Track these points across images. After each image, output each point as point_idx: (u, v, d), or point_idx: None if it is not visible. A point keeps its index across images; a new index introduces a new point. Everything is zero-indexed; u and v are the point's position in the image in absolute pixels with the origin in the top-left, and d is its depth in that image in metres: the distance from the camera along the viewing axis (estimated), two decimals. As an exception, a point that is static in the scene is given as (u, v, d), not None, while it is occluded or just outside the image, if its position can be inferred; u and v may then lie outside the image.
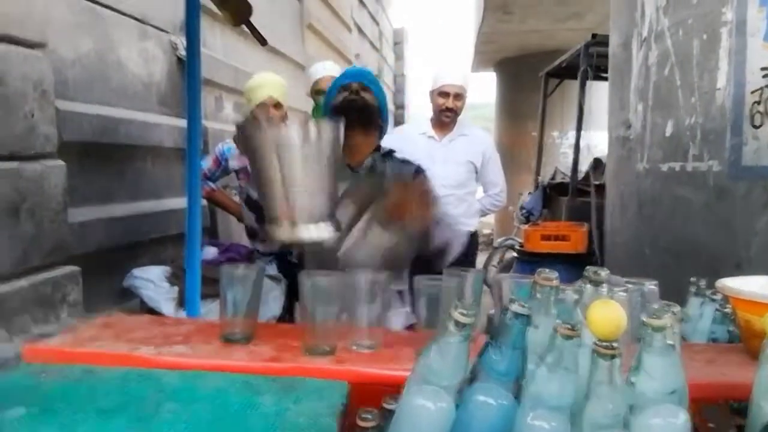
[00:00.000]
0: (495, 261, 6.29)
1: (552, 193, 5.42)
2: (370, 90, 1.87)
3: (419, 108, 3.14)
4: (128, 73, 3.12)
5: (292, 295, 2.94)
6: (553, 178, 5.88)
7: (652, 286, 1.09)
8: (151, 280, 2.67)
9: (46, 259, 2.17)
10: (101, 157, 2.82)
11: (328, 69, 3.23)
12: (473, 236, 3.33)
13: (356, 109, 1.80)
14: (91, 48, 2.81)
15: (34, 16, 2.15)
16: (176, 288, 2.62)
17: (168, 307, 2.58)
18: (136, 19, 3.18)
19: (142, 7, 3.22)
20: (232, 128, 4.09)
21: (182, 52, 3.41)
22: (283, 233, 1.25)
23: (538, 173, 6.14)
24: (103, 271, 2.74)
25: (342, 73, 2.04)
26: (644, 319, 0.79)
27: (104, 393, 0.94)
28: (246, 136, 1.25)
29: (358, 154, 1.84)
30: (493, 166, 3.35)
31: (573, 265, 3.83)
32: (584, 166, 5.34)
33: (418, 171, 1.93)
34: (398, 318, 1.74)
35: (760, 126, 2.35)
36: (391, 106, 13.40)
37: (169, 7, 3.40)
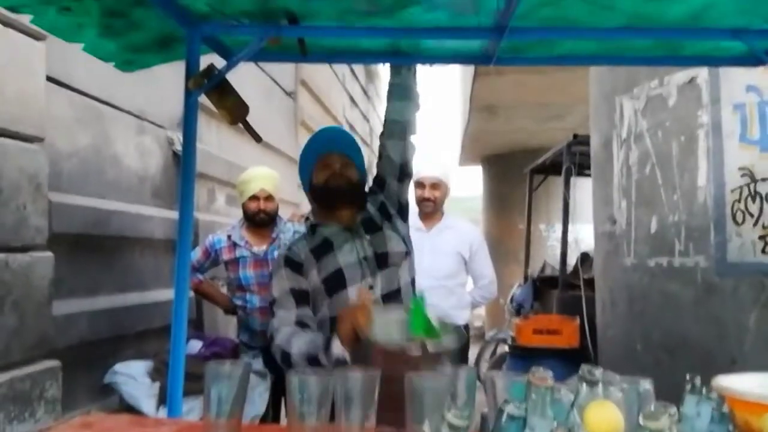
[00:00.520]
0: (487, 355, 6.18)
1: (542, 286, 5.42)
2: (351, 162, 1.89)
3: (411, 200, 3.23)
4: (123, 167, 3.18)
5: (279, 390, 2.86)
6: (542, 271, 5.90)
7: (647, 386, 1.07)
8: (133, 376, 2.58)
9: (27, 353, 2.11)
10: (91, 249, 2.82)
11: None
12: (465, 329, 3.29)
13: (343, 191, 1.84)
14: (89, 142, 2.88)
15: (35, 112, 2.22)
16: (158, 384, 2.54)
17: (148, 405, 2.48)
18: (134, 115, 3.28)
19: (141, 104, 3.33)
20: (224, 220, 4.13)
21: (178, 147, 3.50)
22: None
23: (527, 266, 6.17)
24: (85, 365, 2.66)
25: (314, 135, 2.03)
26: (641, 422, 0.77)
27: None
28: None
29: (350, 219, 1.88)
30: (481, 257, 3.38)
31: (566, 361, 3.78)
32: (572, 259, 5.38)
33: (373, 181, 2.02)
34: None
35: (743, 223, 2.41)
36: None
37: (167, 104, 3.52)
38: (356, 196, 1.89)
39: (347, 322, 1.51)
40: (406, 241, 1.95)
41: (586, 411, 0.79)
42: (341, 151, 1.90)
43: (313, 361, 1.59)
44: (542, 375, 0.92)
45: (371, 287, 1.80)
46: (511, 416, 0.81)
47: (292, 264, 1.81)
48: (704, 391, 1.51)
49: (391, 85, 2.04)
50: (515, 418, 0.81)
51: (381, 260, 1.84)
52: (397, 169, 1.98)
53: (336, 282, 1.79)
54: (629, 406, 1.02)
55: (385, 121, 2.01)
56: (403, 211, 2.01)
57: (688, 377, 1.58)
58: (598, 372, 0.92)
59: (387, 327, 1.53)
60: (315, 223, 1.91)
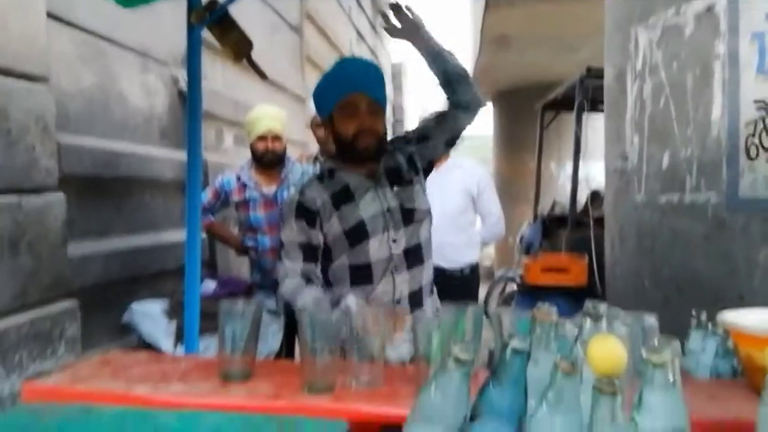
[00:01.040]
0: (496, 293, 6.26)
1: (551, 225, 5.42)
2: (379, 108, 1.78)
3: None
4: (129, 106, 3.16)
5: (292, 329, 2.93)
6: (552, 210, 5.89)
7: (652, 320, 1.09)
8: (150, 315, 2.65)
9: (45, 294, 2.16)
10: (101, 191, 2.84)
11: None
12: (475, 269, 3.33)
13: (372, 150, 1.76)
14: (93, 81, 2.85)
15: (37, 51, 2.18)
16: (175, 323, 2.61)
17: (167, 343, 2.56)
18: (137, 52, 3.23)
19: (144, 41, 3.27)
20: (232, 160, 4.13)
21: (183, 86, 3.45)
22: None
23: (536, 205, 6.15)
24: (102, 306, 2.73)
25: (341, 66, 1.87)
26: (644, 356, 0.78)
27: (100, 432, 0.93)
28: None
29: (373, 169, 1.81)
30: (488, 195, 3.38)
31: (574, 298, 3.81)
32: (583, 198, 5.35)
33: (407, 136, 1.95)
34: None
35: (756, 158, 2.36)
36: (390, 137, 13.50)
37: (170, 41, 3.45)
38: (383, 149, 1.81)
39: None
40: (426, 198, 1.90)
41: (588, 345, 0.80)
42: (370, 94, 1.76)
43: None
44: (547, 310, 0.93)
45: (394, 240, 1.76)
46: (515, 350, 0.83)
47: (306, 213, 1.75)
48: (710, 326, 1.53)
49: (454, 103, 1.89)
50: (519, 352, 0.83)
51: (407, 215, 1.79)
52: (452, 137, 1.93)
53: (358, 234, 1.75)
54: (634, 340, 1.04)
55: (450, 116, 1.89)
56: (429, 169, 1.95)
57: (694, 313, 1.61)
58: (603, 307, 0.93)
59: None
60: (333, 167, 1.83)
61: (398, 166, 1.85)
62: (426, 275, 1.82)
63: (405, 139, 1.93)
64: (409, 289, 1.78)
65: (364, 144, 1.73)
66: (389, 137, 1.90)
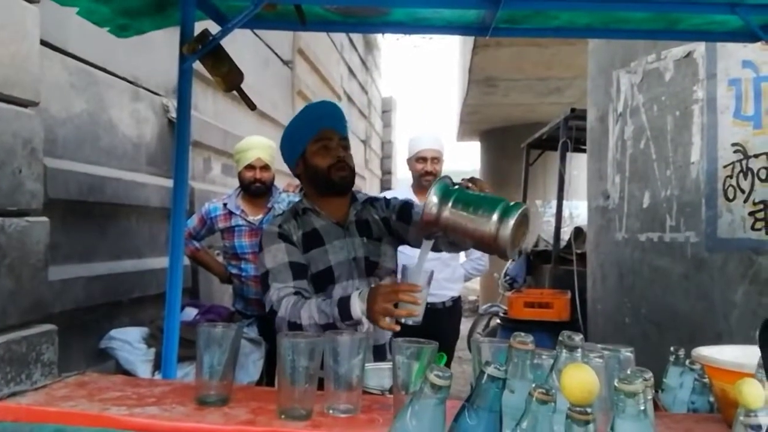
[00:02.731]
0: (480, 328, 6.25)
1: (536, 261, 5.46)
2: (348, 144, 1.84)
3: (406, 173, 3.24)
4: (119, 133, 3.17)
5: (273, 358, 2.90)
6: (536, 246, 5.94)
7: (628, 353, 1.10)
8: (128, 342, 2.62)
9: (23, 317, 2.13)
10: (86, 215, 2.83)
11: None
12: (457, 302, 3.33)
13: (345, 184, 1.80)
14: (84, 108, 2.87)
15: (29, 76, 2.20)
16: (153, 350, 2.57)
17: (144, 370, 2.52)
18: (129, 81, 3.26)
19: (136, 70, 3.31)
20: (220, 189, 4.14)
21: (173, 114, 3.49)
22: None
23: (521, 241, 6.19)
24: (81, 331, 2.69)
25: (312, 106, 1.96)
26: (616, 385, 0.80)
27: (72, 454, 0.92)
28: None
29: (343, 214, 1.85)
30: (474, 231, 3.40)
31: (557, 333, 3.83)
32: (566, 234, 5.41)
33: (386, 200, 1.96)
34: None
35: (734, 199, 2.43)
36: (378, 172, 13.61)
37: (162, 71, 3.49)
38: (352, 185, 1.85)
39: (384, 301, 1.46)
40: (395, 259, 1.92)
41: (562, 373, 0.82)
42: (340, 130, 1.84)
43: (328, 328, 1.52)
44: (523, 339, 0.94)
45: (358, 289, 1.73)
46: (491, 377, 0.84)
47: (289, 241, 1.77)
48: (687, 362, 1.55)
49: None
50: (496, 379, 0.84)
51: (369, 267, 1.82)
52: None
53: (324, 279, 1.77)
54: (609, 372, 1.05)
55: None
56: (399, 243, 1.95)
57: (672, 349, 1.62)
58: (578, 338, 0.95)
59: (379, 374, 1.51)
60: (308, 207, 1.85)
61: (370, 220, 1.89)
62: (388, 333, 1.75)
63: (386, 203, 1.96)
64: (373, 342, 1.76)
65: (339, 174, 1.78)
66: (368, 192, 1.92)
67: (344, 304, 1.54)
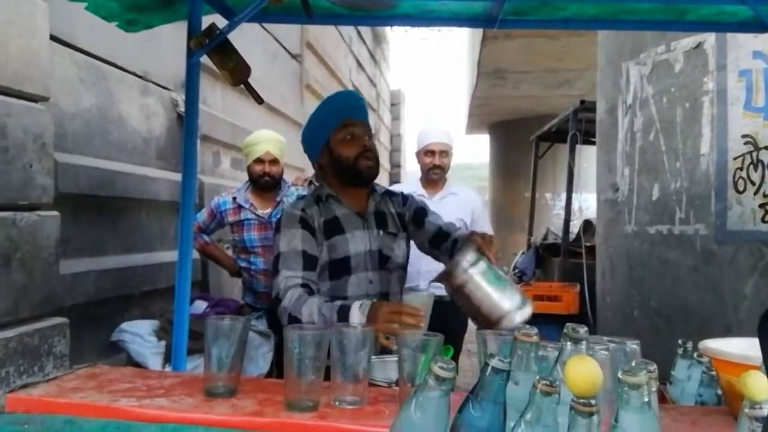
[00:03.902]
0: (488, 321, 6.24)
1: (545, 254, 5.45)
2: (372, 134, 1.85)
3: (415, 166, 3.25)
4: (128, 128, 3.20)
5: (282, 351, 2.92)
6: (545, 239, 5.92)
7: (634, 345, 1.10)
8: (139, 335, 2.64)
9: (35, 310, 2.16)
10: (97, 209, 2.85)
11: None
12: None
13: (372, 175, 1.81)
14: (93, 103, 2.89)
15: (39, 71, 2.22)
16: (164, 343, 2.60)
17: (155, 362, 2.55)
18: (138, 76, 3.28)
19: (145, 65, 3.32)
20: (229, 183, 4.16)
21: (182, 109, 3.50)
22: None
23: (530, 234, 6.19)
24: (92, 324, 2.73)
25: (337, 96, 1.94)
26: (620, 377, 0.80)
27: (83, 445, 0.93)
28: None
29: (364, 205, 1.85)
30: (482, 223, 3.39)
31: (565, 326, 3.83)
32: (576, 227, 5.40)
33: (404, 197, 1.99)
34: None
35: (744, 191, 2.41)
36: (387, 165, 13.60)
37: (171, 65, 3.51)
38: (377, 175, 1.85)
39: (387, 320, 1.47)
40: (406, 255, 1.94)
41: (566, 365, 0.82)
42: (364, 120, 1.84)
43: None
44: (527, 332, 0.95)
45: (371, 281, 1.79)
46: (496, 369, 0.84)
47: (309, 227, 1.75)
48: (695, 355, 1.55)
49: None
50: (500, 371, 0.84)
51: (382, 260, 1.83)
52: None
53: (341, 268, 1.77)
54: (615, 365, 1.05)
55: (441, 249, 1.91)
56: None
57: (680, 342, 1.62)
58: (583, 330, 0.95)
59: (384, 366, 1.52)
60: (331, 194, 1.83)
61: (386, 213, 1.90)
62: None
63: (403, 199, 1.98)
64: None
65: (366, 164, 1.78)
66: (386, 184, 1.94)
67: (344, 312, 1.55)
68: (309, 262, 1.72)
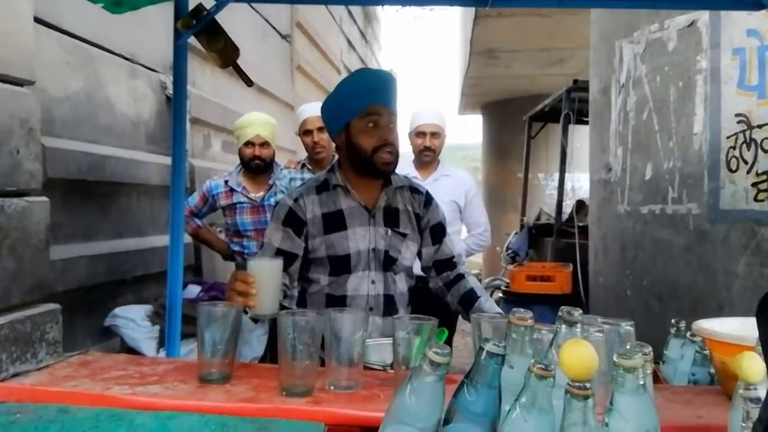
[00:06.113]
0: (481, 301, 6.27)
1: (538, 234, 5.46)
2: (397, 128, 1.69)
3: (408, 147, 3.22)
4: (116, 111, 3.15)
5: (276, 334, 2.92)
6: (538, 219, 5.93)
7: (628, 327, 1.10)
8: (133, 319, 2.64)
9: (27, 296, 2.14)
10: (86, 194, 2.82)
11: (315, 110, 3.28)
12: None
13: (390, 171, 1.69)
14: (80, 86, 2.84)
15: (23, 55, 2.18)
16: (157, 327, 2.60)
17: (149, 347, 2.54)
18: (125, 58, 3.23)
19: (132, 47, 3.27)
20: (220, 166, 4.12)
21: (171, 91, 3.46)
22: None
23: (523, 214, 6.20)
24: (85, 310, 2.71)
25: (365, 73, 1.79)
26: (615, 360, 0.80)
27: (76, 433, 0.93)
28: None
29: (373, 199, 1.74)
30: (476, 205, 3.39)
31: (558, 306, 3.85)
32: (569, 207, 5.40)
33: (428, 199, 1.86)
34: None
35: (737, 170, 2.41)
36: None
37: (160, 47, 3.45)
38: (394, 171, 1.73)
39: (230, 287, 1.39)
40: (414, 257, 1.83)
41: (561, 349, 0.82)
42: (391, 107, 1.67)
43: None
44: (522, 315, 0.94)
45: (373, 281, 1.71)
46: (490, 353, 0.84)
47: (294, 221, 1.67)
48: (688, 335, 1.55)
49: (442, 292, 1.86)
50: (495, 356, 0.84)
51: (388, 262, 1.73)
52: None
53: (340, 266, 1.69)
54: (610, 346, 1.05)
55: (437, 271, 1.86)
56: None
57: (673, 321, 1.63)
58: (577, 312, 0.94)
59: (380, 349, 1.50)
60: (340, 184, 1.72)
61: (400, 210, 1.77)
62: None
63: (426, 202, 1.85)
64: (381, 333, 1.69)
65: (384, 159, 1.65)
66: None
67: None
68: (284, 260, 1.61)
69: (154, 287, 3.22)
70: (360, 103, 1.65)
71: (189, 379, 1.19)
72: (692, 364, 1.53)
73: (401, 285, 1.79)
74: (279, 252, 1.65)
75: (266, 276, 1.38)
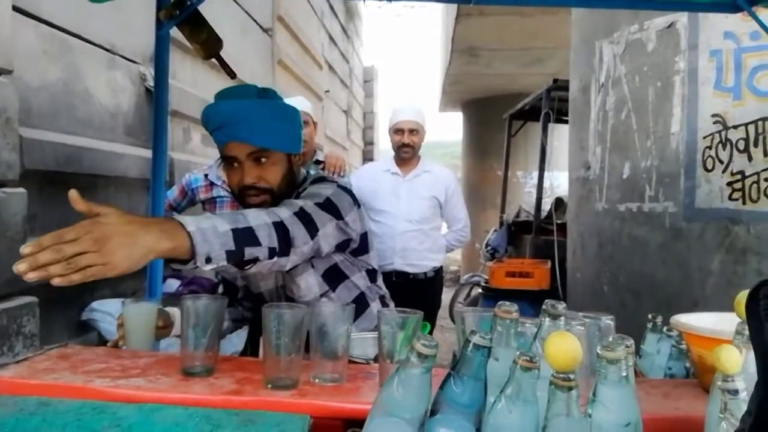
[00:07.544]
0: (462, 297, 6.33)
1: (517, 231, 5.52)
2: (272, 157, 1.49)
3: (389, 144, 3.24)
4: (95, 102, 3.10)
5: (257, 329, 2.91)
6: (517, 216, 5.99)
7: (608, 321, 1.12)
8: (110, 313, 2.61)
9: (3, 289, 2.10)
10: (64, 186, 2.77)
11: (298, 104, 3.27)
12: (438, 272, 3.36)
13: (262, 204, 1.48)
14: (59, 76, 2.79)
15: (1, 43, 2.14)
16: (136, 321, 2.57)
17: (126, 341, 2.51)
18: (105, 49, 3.18)
19: (112, 37, 3.22)
20: (199, 159, 4.08)
21: (151, 83, 3.41)
22: None
23: (503, 211, 6.25)
24: (62, 303, 2.67)
25: (210, 109, 1.54)
26: (599, 352, 0.81)
27: (58, 426, 0.91)
28: None
29: None
30: (456, 202, 3.41)
31: (537, 302, 3.90)
32: (547, 205, 5.47)
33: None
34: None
35: (712, 170, 2.46)
36: (360, 143, 13.53)
37: (140, 38, 3.41)
38: (279, 201, 1.59)
39: None
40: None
41: (546, 341, 0.83)
42: (253, 141, 1.46)
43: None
44: (507, 308, 0.95)
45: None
46: (476, 346, 0.85)
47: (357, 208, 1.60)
48: (664, 329, 1.59)
49: None
50: (481, 348, 0.85)
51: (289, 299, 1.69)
52: None
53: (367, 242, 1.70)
54: (590, 339, 1.07)
55: None
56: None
57: (650, 316, 1.66)
58: (561, 306, 0.96)
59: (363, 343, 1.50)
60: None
61: None
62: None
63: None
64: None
65: (249, 202, 1.47)
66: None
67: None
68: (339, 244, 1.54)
69: (131, 281, 3.18)
70: (216, 140, 1.49)
71: (172, 372, 1.18)
72: (668, 358, 1.56)
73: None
74: (339, 229, 1.51)
75: (133, 320, 1.48)
